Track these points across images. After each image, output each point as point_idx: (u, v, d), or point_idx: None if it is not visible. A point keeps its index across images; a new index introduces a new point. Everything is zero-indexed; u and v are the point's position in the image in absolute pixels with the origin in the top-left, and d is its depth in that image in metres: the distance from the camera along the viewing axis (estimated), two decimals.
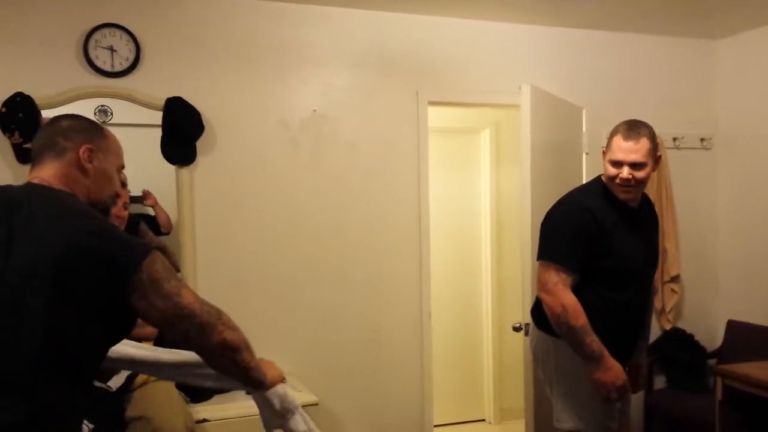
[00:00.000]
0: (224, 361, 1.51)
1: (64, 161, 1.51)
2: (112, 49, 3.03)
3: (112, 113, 3.04)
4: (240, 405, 2.70)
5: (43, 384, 1.33)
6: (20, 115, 2.87)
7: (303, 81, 3.35)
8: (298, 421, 1.67)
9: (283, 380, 1.69)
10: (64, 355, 1.35)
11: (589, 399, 2.41)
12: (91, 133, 1.57)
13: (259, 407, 1.70)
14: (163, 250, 2.89)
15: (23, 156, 2.85)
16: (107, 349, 1.47)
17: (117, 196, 1.62)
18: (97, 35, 3.01)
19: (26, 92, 2.88)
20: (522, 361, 3.18)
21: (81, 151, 1.52)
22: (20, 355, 1.31)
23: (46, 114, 2.90)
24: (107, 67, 3.03)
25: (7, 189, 1.51)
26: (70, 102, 2.96)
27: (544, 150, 3.18)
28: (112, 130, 2.88)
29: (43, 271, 1.33)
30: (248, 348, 1.55)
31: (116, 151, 1.61)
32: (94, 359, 1.44)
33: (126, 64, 3.05)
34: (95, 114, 3.00)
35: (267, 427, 1.75)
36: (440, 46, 3.55)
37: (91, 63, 3.01)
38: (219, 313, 1.49)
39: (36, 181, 1.50)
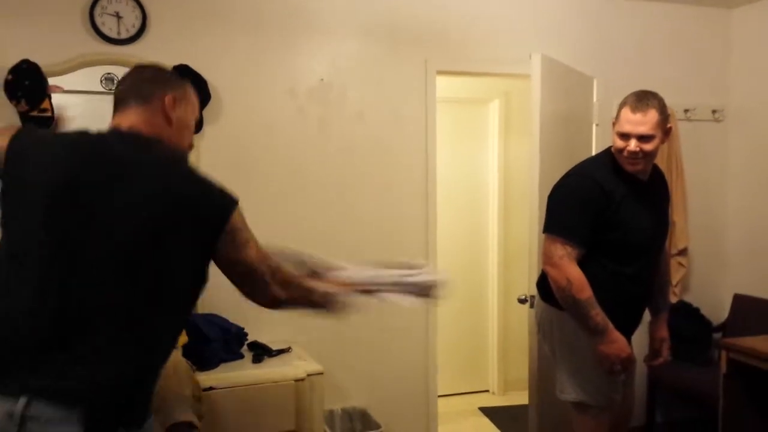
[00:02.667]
0: (284, 308, 1.65)
1: (149, 108, 1.53)
2: (118, 16, 3.00)
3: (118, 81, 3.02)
4: (247, 373, 2.73)
5: (154, 318, 1.43)
6: (26, 82, 2.85)
7: (310, 49, 3.32)
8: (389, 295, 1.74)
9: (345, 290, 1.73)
10: (169, 291, 1.44)
11: (593, 371, 2.41)
12: (175, 83, 1.61)
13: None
14: None
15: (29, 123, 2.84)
16: (198, 290, 1.53)
17: (192, 146, 1.67)
18: (103, 1, 2.97)
19: (32, 59, 2.86)
20: (527, 333, 3.18)
21: (166, 100, 1.54)
22: (134, 292, 1.39)
23: (53, 81, 2.89)
24: (113, 34, 3.00)
25: (93, 135, 1.52)
26: (77, 69, 2.94)
27: (554, 121, 3.15)
28: None
29: (148, 212, 1.39)
30: (302, 290, 1.65)
31: (195, 103, 1.65)
32: (188, 297, 1.52)
33: (132, 31, 3.03)
34: (101, 82, 2.98)
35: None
36: (450, 14, 3.50)
37: (97, 30, 2.98)
38: (273, 272, 1.57)
39: (124, 127, 1.52)
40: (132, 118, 1.52)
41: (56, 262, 1.38)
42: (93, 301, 1.37)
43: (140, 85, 1.56)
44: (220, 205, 1.48)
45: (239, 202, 1.50)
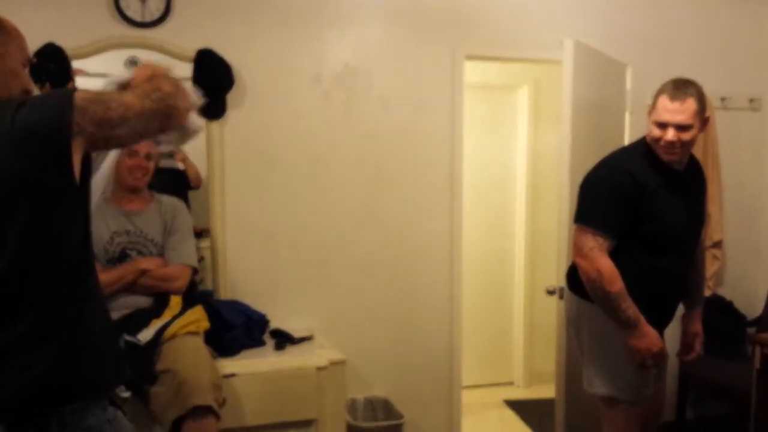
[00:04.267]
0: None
1: None
2: None
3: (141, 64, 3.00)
4: (268, 360, 2.72)
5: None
6: (51, 66, 2.85)
7: (336, 35, 3.27)
8: None
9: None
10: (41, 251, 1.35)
11: (623, 365, 2.36)
12: None
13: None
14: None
15: None
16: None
17: (28, 91, 1.52)
18: None
19: (57, 43, 2.85)
20: (553, 325, 3.12)
21: None
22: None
23: (77, 65, 2.89)
24: (138, 17, 2.99)
25: None
26: (101, 52, 2.93)
27: (586, 108, 3.07)
28: None
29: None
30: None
31: (19, 44, 1.51)
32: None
33: (157, 15, 3.00)
34: (125, 65, 2.96)
35: None
36: None
37: (121, 13, 2.96)
38: (159, 90, 1.43)
39: None
40: None
41: None
42: None
43: None
44: (48, 121, 1.32)
45: (73, 100, 1.34)
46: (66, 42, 2.86)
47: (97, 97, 1.37)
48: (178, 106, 1.46)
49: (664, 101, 2.29)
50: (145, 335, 2.42)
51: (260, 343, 2.87)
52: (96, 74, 2.90)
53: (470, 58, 3.44)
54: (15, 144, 1.31)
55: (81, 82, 2.87)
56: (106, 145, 1.43)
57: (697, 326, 2.62)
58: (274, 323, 3.03)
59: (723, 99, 3.81)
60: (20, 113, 1.33)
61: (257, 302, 3.03)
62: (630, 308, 2.27)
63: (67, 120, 1.31)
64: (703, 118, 2.32)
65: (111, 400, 1.50)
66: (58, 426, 1.37)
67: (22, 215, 1.32)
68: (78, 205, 1.40)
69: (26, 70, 1.53)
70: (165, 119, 1.44)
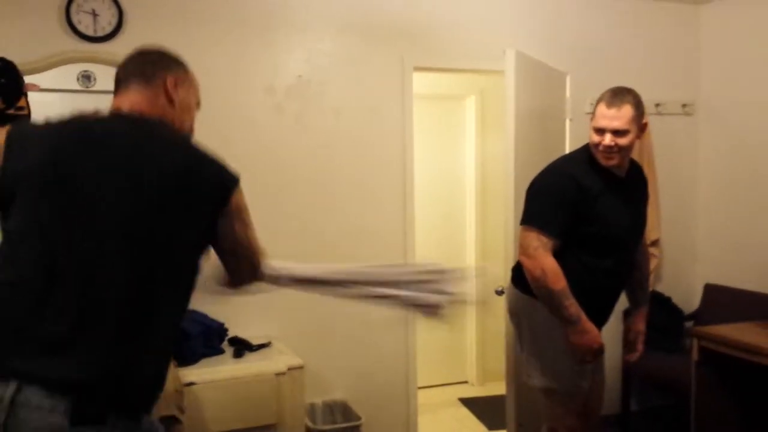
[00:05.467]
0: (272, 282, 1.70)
1: (151, 89, 1.53)
2: (94, 14, 3.00)
3: (95, 79, 3.01)
4: (228, 368, 2.75)
5: (159, 306, 1.43)
6: (2, 80, 2.83)
7: (288, 47, 3.33)
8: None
9: None
10: (172, 276, 1.44)
11: (561, 358, 2.47)
12: (177, 64, 1.62)
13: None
14: None
15: (4, 122, 2.82)
16: (196, 275, 1.53)
17: (193, 130, 1.66)
18: None
19: (8, 57, 2.83)
20: (504, 325, 3.23)
21: (168, 81, 1.55)
22: (138, 280, 1.38)
23: (29, 80, 2.88)
24: (90, 32, 3.00)
25: (91, 119, 1.50)
26: (54, 67, 2.93)
27: (529, 116, 3.20)
28: (95, 97, 2.88)
29: (148, 194, 1.39)
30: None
31: (196, 87, 1.67)
32: (189, 282, 1.52)
33: (109, 29, 3.02)
34: (78, 80, 2.97)
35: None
36: (426, 11, 3.53)
37: (73, 28, 2.97)
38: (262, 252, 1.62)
39: (125, 108, 1.52)
40: (133, 99, 1.52)
41: (56, 249, 1.35)
42: (96, 291, 1.35)
43: (143, 67, 1.56)
44: (221, 180, 1.49)
45: (239, 182, 1.52)
46: (18, 57, 2.83)
47: (248, 218, 1.58)
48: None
49: (602, 108, 2.41)
50: None
51: (219, 351, 2.90)
52: (49, 89, 2.92)
53: (418, 69, 3.54)
54: (191, 172, 1.46)
55: (34, 98, 2.87)
56: (220, 228, 1.52)
57: (640, 325, 2.73)
58: (232, 332, 3.06)
59: (657, 105, 4.00)
60: (200, 153, 1.50)
61: (215, 311, 3.05)
62: (572, 306, 2.37)
63: (235, 184, 1.52)
64: (640, 124, 2.44)
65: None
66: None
67: (173, 221, 1.43)
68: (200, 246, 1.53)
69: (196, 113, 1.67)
70: (246, 265, 1.61)
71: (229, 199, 1.48)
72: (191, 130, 1.64)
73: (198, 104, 1.68)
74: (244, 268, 1.59)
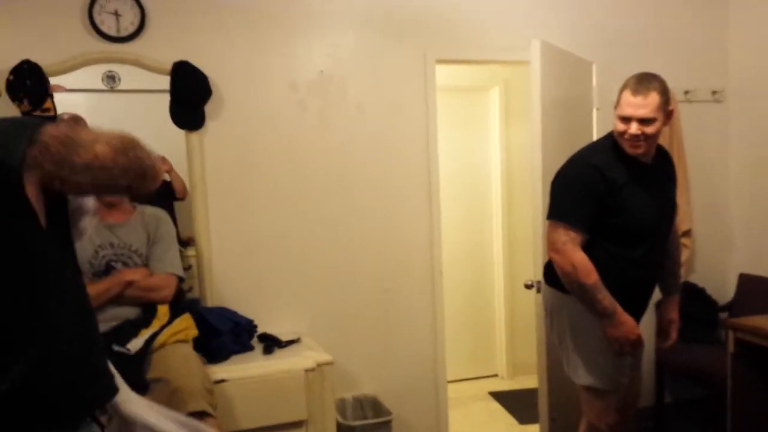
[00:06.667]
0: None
1: None
2: (116, 14, 3.01)
3: (119, 79, 3.03)
4: (258, 364, 2.76)
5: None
6: (28, 82, 2.86)
7: (309, 42, 3.32)
8: None
9: None
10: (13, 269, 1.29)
11: (600, 355, 2.44)
12: None
13: None
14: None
15: None
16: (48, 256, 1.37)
17: None
18: (101, 0, 2.99)
19: (33, 59, 2.87)
20: (533, 318, 3.21)
21: None
22: None
23: (54, 81, 2.90)
24: (113, 32, 3.01)
25: None
26: (78, 68, 2.95)
27: (554, 106, 3.16)
28: (121, 96, 2.89)
29: None
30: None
31: None
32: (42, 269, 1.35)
33: (131, 29, 3.03)
34: (103, 80, 3.00)
35: None
36: (447, 3, 3.50)
37: (96, 28, 2.99)
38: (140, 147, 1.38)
39: None
40: None
41: None
42: None
43: None
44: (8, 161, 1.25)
45: (35, 142, 1.26)
46: (43, 59, 2.88)
47: (67, 139, 1.29)
48: (154, 166, 1.39)
49: (627, 96, 2.35)
50: (135, 345, 2.44)
51: (249, 348, 2.91)
52: (74, 90, 2.94)
53: (440, 62, 3.51)
54: None
55: (59, 98, 2.90)
56: (62, 186, 1.32)
57: (673, 313, 2.69)
58: (262, 328, 3.07)
59: (686, 92, 3.93)
60: None
61: (244, 308, 3.07)
62: (606, 299, 2.33)
63: (22, 150, 1.25)
64: (666, 111, 2.37)
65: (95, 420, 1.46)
66: None
67: None
68: (33, 229, 1.33)
69: None
70: (137, 179, 1.37)
71: (24, 159, 1.25)
72: None
73: None
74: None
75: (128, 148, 1.34)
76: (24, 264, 1.32)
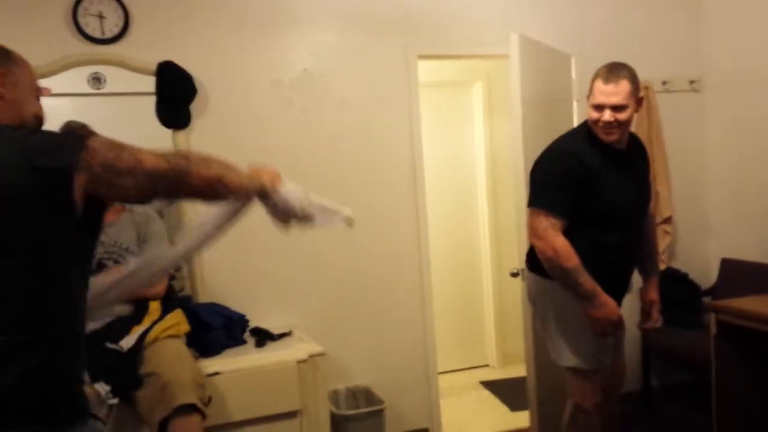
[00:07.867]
0: (216, 193, 1.55)
1: None
2: (101, 16, 3.04)
3: (105, 80, 3.06)
4: (250, 357, 2.80)
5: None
6: None
7: (293, 40, 3.36)
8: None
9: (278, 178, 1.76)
10: (42, 272, 1.33)
11: (582, 336, 2.50)
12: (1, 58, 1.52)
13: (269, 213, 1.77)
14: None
15: None
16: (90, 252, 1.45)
17: (39, 117, 1.57)
18: (85, 2, 3.02)
19: None
20: (521, 307, 3.26)
21: None
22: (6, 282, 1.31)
23: (40, 83, 2.91)
24: (97, 34, 3.04)
25: None
26: (63, 70, 2.98)
27: (535, 99, 3.21)
28: (107, 98, 2.90)
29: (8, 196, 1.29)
30: (229, 169, 1.57)
31: (29, 71, 1.58)
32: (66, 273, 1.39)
33: (116, 30, 3.07)
34: (88, 82, 3.02)
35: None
36: None
37: (81, 31, 3.02)
38: (187, 158, 1.47)
39: None
40: None
41: None
42: None
43: None
44: (62, 163, 1.32)
45: (86, 146, 1.33)
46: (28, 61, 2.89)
47: (114, 144, 1.38)
48: (200, 173, 1.45)
49: (599, 85, 2.43)
50: (127, 342, 2.48)
51: (241, 341, 2.94)
52: (60, 94, 2.96)
53: (422, 57, 3.56)
54: (28, 164, 1.31)
55: (46, 102, 2.91)
56: (109, 190, 1.38)
57: (653, 294, 2.75)
58: (254, 322, 3.11)
59: (664, 82, 4.00)
60: (33, 137, 1.37)
61: (236, 303, 3.11)
62: (587, 281, 2.39)
63: (76, 154, 1.33)
64: (637, 98, 2.46)
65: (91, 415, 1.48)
66: None
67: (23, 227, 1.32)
68: (70, 232, 1.38)
69: (37, 98, 1.58)
70: (174, 183, 1.44)
71: (76, 175, 1.32)
72: (38, 118, 1.56)
73: (37, 89, 1.58)
74: (170, 194, 1.56)
75: (174, 156, 1.45)
76: (62, 256, 1.37)
